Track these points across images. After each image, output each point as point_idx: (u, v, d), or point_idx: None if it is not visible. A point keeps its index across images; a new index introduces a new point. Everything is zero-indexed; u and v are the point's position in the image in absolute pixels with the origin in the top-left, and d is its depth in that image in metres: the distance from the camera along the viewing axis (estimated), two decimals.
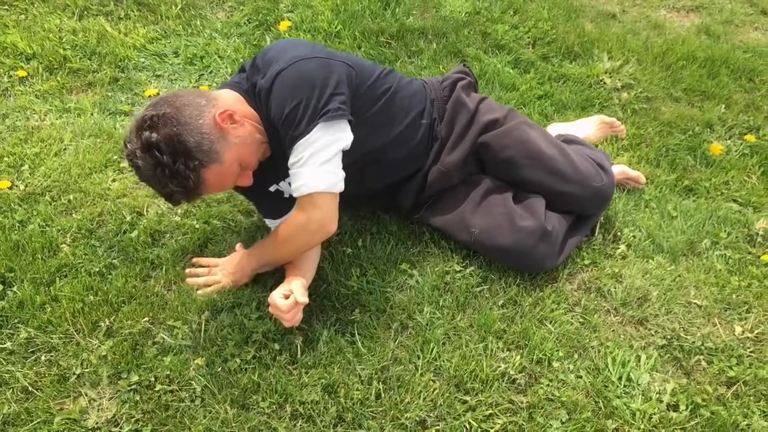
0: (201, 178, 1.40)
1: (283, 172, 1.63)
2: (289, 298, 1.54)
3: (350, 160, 1.58)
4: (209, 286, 1.70)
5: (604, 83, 2.57)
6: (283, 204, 1.76)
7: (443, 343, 1.64)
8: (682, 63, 2.68)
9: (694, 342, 1.68)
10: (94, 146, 2.18)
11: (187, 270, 1.73)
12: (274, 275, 1.77)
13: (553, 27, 2.82)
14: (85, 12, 2.83)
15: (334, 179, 1.53)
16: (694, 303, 1.78)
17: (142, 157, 1.37)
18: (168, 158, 1.35)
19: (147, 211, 1.96)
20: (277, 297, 1.53)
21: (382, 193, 1.87)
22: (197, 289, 1.70)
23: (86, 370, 1.55)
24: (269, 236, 1.73)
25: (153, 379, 1.53)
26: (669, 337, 1.70)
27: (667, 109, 2.48)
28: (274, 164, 1.64)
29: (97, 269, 1.77)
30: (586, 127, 2.30)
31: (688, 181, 2.18)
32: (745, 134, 2.38)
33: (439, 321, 1.69)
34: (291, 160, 1.53)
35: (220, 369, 1.55)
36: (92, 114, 2.34)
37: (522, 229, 1.75)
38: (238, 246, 1.77)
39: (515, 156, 1.83)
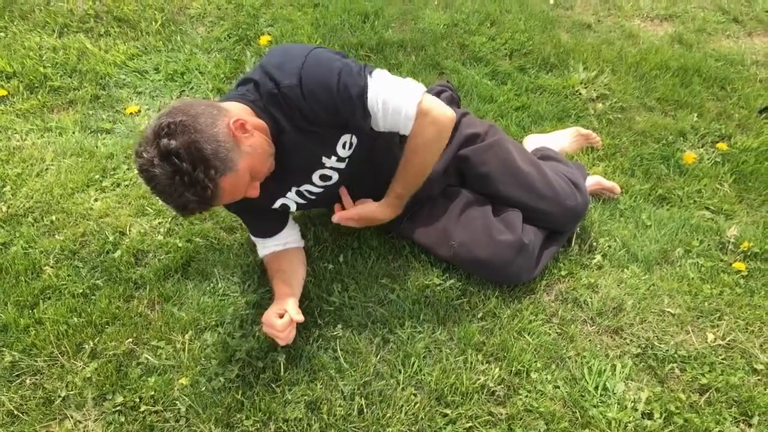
0: (219, 186, 1.36)
1: (294, 181, 1.66)
2: (284, 317, 1.57)
3: (349, 156, 1.62)
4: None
5: (580, 94, 2.62)
6: (281, 221, 1.80)
7: (424, 357, 1.68)
8: (656, 72, 2.73)
9: (667, 350, 1.73)
10: (76, 165, 2.19)
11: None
12: (257, 291, 1.80)
13: (530, 38, 2.87)
14: (65, 29, 2.84)
15: (414, 84, 1.58)
16: (668, 311, 1.83)
17: (160, 165, 1.30)
18: (188, 166, 1.30)
19: (129, 231, 1.97)
20: (272, 316, 1.56)
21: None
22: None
23: (71, 392, 1.57)
24: (403, 167, 1.69)
25: (138, 399, 1.55)
26: (644, 345, 1.74)
27: (641, 118, 2.53)
28: (283, 176, 1.63)
29: (81, 290, 1.79)
30: (563, 139, 2.35)
31: (662, 190, 2.23)
32: (717, 142, 2.44)
33: (420, 335, 1.72)
34: (376, 116, 1.55)
35: (204, 388, 1.58)
36: (74, 132, 2.35)
37: (500, 243, 1.78)
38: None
39: (493, 171, 1.87)
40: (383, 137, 1.68)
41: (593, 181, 2.15)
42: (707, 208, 2.19)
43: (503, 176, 1.88)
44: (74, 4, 2.94)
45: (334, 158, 1.61)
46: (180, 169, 1.29)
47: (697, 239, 2.05)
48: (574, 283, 1.89)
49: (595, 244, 2.01)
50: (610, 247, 2.01)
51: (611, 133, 2.45)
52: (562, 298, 1.86)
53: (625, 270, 1.94)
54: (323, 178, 1.66)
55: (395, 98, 1.55)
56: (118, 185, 2.14)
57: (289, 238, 1.82)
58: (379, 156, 1.73)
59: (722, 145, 2.42)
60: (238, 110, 1.46)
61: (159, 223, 2.01)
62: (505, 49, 2.83)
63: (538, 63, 2.76)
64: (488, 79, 2.69)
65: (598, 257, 1.97)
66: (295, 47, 1.55)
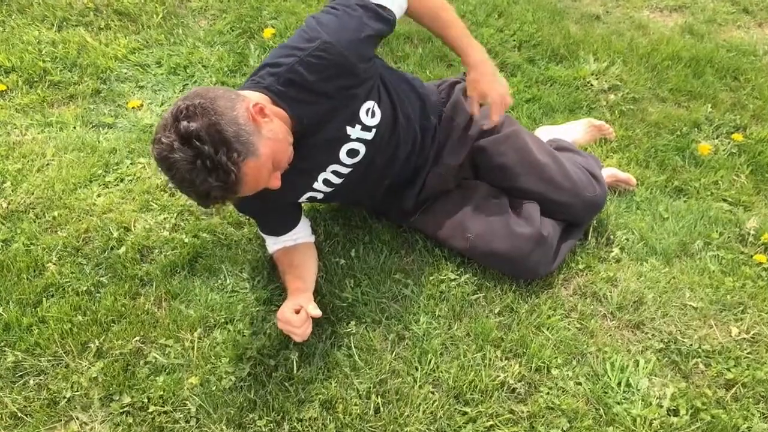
0: (242, 171, 1.28)
1: (320, 165, 1.60)
2: (300, 312, 1.52)
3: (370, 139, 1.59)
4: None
5: (591, 85, 2.57)
6: (294, 218, 1.75)
7: (441, 354, 1.62)
8: (668, 63, 2.68)
9: (691, 345, 1.68)
10: (78, 160, 2.13)
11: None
12: (267, 288, 1.75)
13: (538, 29, 2.81)
14: (65, 23, 2.77)
15: None
16: (690, 305, 1.78)
17: (180, 149, 1.22)
18: (210, 148, 1.22)
19: (134, 226, 1.92)
20: (288, 312, 1.51)
21: (382, 197, 1.85)
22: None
23: (77, 393, 1.51)
24: (445, 34, 1.71)
25: (146, 400, 1.50)
26: (666, 340, 1.69)
27: (654, 109, 2.48)
28: (308, 164, 1.58)
29: (85, 288, 1.73)
30: (575, 130, 2.30)
31: (678, 182, 2.18)
32: (732, 133, 2.39)
33: (436, 331, 1.67)
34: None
35: (214, 387, 1.52)
36: (74, 127, 2.29)
37: (518, 235, 1.73)
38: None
39: (510, 163, 1.82)
40: (403, 108, 1.66)
41: (608, 173, 2.09)
42: (725, 200, 2.14)
43: (520, 168, 1.82)
44: None
45: (358, 127, 1.56)
46: (202, 153, 1.21)
47: (717, 231, 2.00)
48: (593, 276, 1.84)
49: (612, 237, 1.96)
50: (627, 239, 1.96)
51: (624, 125, 2.40)
52: (581, 293, 1.81)
53: (644, 263, 1.89)
54: (351, 153, 1.59)
55: None
56: (122, 180, 2.09)
57: (300, 233, 1.77)
58: (403, 127, 1.68)
59: (738, 136, 2.37)
60: (255, 97, 1.40)
61: (164, 218, 1.95)
62: (514, 40, 2.78)
63: (547, 54, 2.71)
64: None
65: (616, 250, 1.92)
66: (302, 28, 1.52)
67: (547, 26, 2.85)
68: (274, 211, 1.72)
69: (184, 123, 1.22)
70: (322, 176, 1.62)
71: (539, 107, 2.45)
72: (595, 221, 1.97)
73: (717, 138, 2.39)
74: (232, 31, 2.78)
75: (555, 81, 2.58)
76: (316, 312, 1.53)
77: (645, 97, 2.54)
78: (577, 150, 2.08)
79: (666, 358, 1.65)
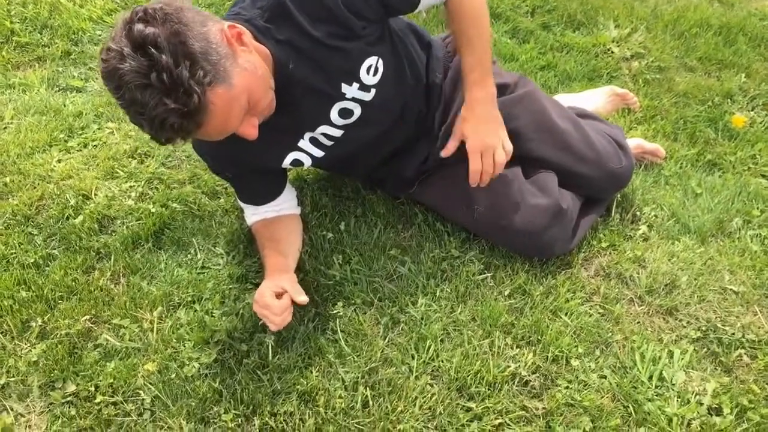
0: (207, 97, 1.02)
1: (308, 124, 1.36)
2: (282, 297, 1.29)
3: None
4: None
5: (612, 52, 2.33)
6: (279, 184, 1.52)
7: (441, 340, 1.39)
8: (696, 30, 2.44)
9: (733, 334, 1.44)
10: (39, 124, 1.91)
11: None
12: (243, 263, 1.52)
13: None
14: None
15: None
16: (730, 289, 1.54)
17: (131, 57, 0.96)
18: (168, 58, 0.97)
19: (95, 195, 1.69)
20: (267, 295, 1.28)
21: (383, 162, 1.61)
22: None
23: (12, 379, 1.29)
24: (463, 52, 1.42)
25: (93, 388, 1.27)
26: (704, 328, 1.45)
27: (682, 79, 2.24)
28: (292, 122, 1.34)
29: (33, 260, 1.51)
30: (596, 99, 2.06)
31: (711, 156, 1.94)
32: None
33: (437, 314, 1.43)
34: None
35: (174, 375, 1.29)
36: (39, 90, 2.07)
37: (533, 207, 1.50)
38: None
39: (524, 127, 1.58)
40: (412, 66, 1.42)
41: (634, 144, 1.85)
42: (764, 176, 1.90)
43: (536, 133, 1.58)
44: None
45: (356, 85, 1.31)
46: (158, 63, 0.96)
47: (757, 209, 1.75)
48: (617, 256, 1.60)
49: (638, 213, 1.72)
50: (656, 216, 1.72)
51: (649, 94, 2.16)
52: (604, 274, 1.57)
53: (676, 242, 1.65)
54: (343, 113, 1.35)
55: None
56: (86, 146, 1.86)
57: (285, 203, 1.54)
58: (410, 87, 1.45)
59: None
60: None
61: (130, 186, 1.73)
62: (526, 5, 2.54)
63: (563, 20, 2.48)
64: (508, 37, 2.40)
65: (644, 228, 1.68)
66: None
67: None
68: (253, 174, 1.48)
69: (139, 26, 0.96)
70: (308, 136, 1.39)
71: (554, 75, 2.22)
72: (618, 196, 1.73)
73: (752, 110, 2.15)
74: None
75: (572, 48, 2.34)
76: (303, 299, 1.31)
77: (671, 66, 2.30)
78: (600, 118, 1.84)
79: (705, 349, 1.41)
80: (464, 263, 1.55)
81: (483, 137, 1.42)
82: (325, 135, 1.39)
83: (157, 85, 0.97)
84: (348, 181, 1.76)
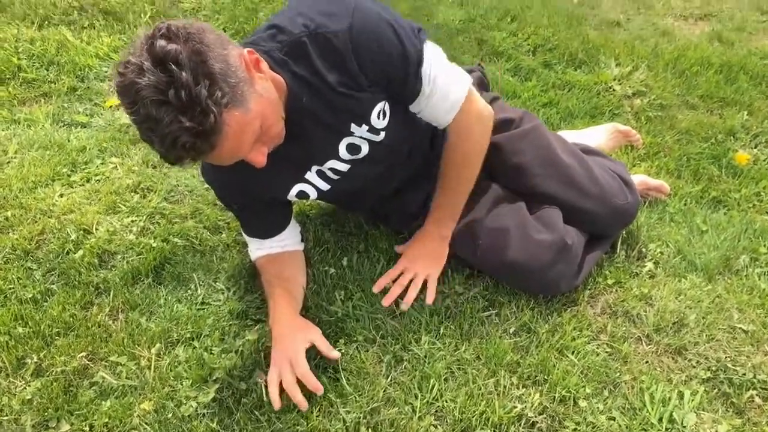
0: (222, 119, 1.00)
1: (315, 158, 1.35)
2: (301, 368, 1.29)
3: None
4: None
5: (614, 90, 2.35)
6: (284, 217, 1.51)
7: (446, 380, 1.35)
8: (696, 69, 2.46)
9: (744, 374, 1.40)
10: (42, 159, 1.91)
11: None
12: (244, 299, 1.49)
13: (554, 34, 2.61)
14: (46, 21, 2.60)
15: (464, 72, 1.39)
16: (739, 328, 1.51)
17: (150, 71, 0.94)
18: (188, 76, 0.95)
19: (96, 229, 1.68)
20: (304, 363, 1.29)
21: (387, 198, 1.61)
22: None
23: (5, 417, 1.25)
24: (442, 187, 1.51)
25: (88, 428, 1.24)
26: (714, 368, 1.42)
27: (684, 116, 2.25)
28: (301, 155, 1.33)
29: (31, 295, 1.48)
30: (599, 136, 2.06)
31: (715, 192, 1.93)
32: None
33: (440, 352, 1.40)
34: (425, 91, 1.31)
35: (171, 415, 1.26)
36: (44, 125, 2.08)
37: (537, 243, 1.48)
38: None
39: (529, 162, 1.58)
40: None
41: (638, 180, 1.84)
42: None
43: (541, 168, 1.58)
44: None
45: (365, 127, 1.31)
46: (177, 80, 0.94)
47: (765, 246, 1.73)
48: (624, 294, 1.58)
49: (644, 249, 1.70)
50: (662, 253, 1.70)
51: (652, 131, 2.17)
52: (611, 311, 1.55)
53: (683, 280, 1.62)
54: (351, 149, 1.34)
55: (447, 77, 1.31)
56: (88, 180, 1.86)
57: (290, 239, 1.53)
58: (420, 126, 1.45)
59: None
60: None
61: (132, 221, 1.71)
62: (528, 44, 2.57)
63: (564, 59, 2.50)
64: (510, 75, 2.42)
65: (650, 265, 1.66)
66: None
67: (564, 31, 2.64)
68: (259, 206, 1.46)
69: (161, 42, 0.95)
70: (315, 168, 1.38)
71: (557, 112, 2.23)
72: (624, 232, 1.72)
73: (756, 147, 2.15)
74: (225, 31, 2.59)
75: (574, 86, 2.36)
76: (336, 354, 1.33)
77: (673, 104, 2.31)
78: (604, 154, 1.84)
79: (715, 390, 1.38)
80: (468, 300, 1.53)
81: (418, 263, 1.53)
82: (332, 169, 1.38)
83: (174, 102, 0.95)
84: (351, 217, 1.75)
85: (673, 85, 2.39)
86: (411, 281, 1.52)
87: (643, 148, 2.10)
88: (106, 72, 2.36)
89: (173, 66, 0.94)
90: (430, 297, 1.50)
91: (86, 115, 2.15)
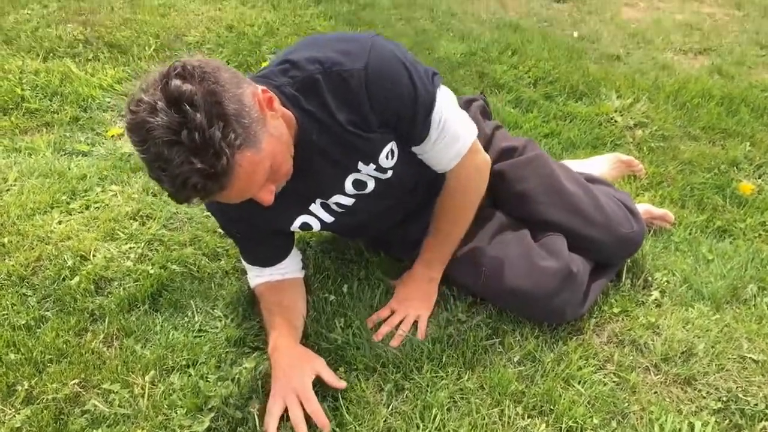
0: (234, 160, 0.98)
1: (321, 191, 1.34)
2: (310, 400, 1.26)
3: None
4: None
5: (615, 121, 2.35)
6: (286, 246, 1.48)
7: (448, 409, 1.31)
8: (698, 101, 2.47)
9: (756, 404, 1.36)
10: (42, 186, 1.90)
11: None
12: (242, 326, 1.46)
13: (555, 67, 2.63)
14: (51, 54, 2.62)
15: (472, 122, 1.40)
16: (749, 358, 1.47)
17: (164, 111, 0.92)
18: (203, 117, 0.93)
19: (93, 255, 1.65)
20: (314, 397, 1.26)
21: (390, 228, 1.59)
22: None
23: None
24: (435, 228, 1.50)
25: None
26: (725, 399, 1.38)
27: (686, 147, 2.24)
28: (306, 188, 1.31)
29: (24, 322, 1.45)
30: (601, 166, 2.05)
31: (720, 222, 1.91)
32: None
33: (443, 381, 1.36)
34: (431, 136, 1.30)
35: None
36: (45, 154, 2.08)
37: (542, 270, 1.45)
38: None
39: (533, 190, 1.57)
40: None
41: (642, 209, 1.82)
42: None
43: (546, 196, 1.57)
44: (63, 30, 2.73)
45: (372, 166, 1.30)
46: (191, 121, 0.92)
47: None
48: (630, 322, 1.55)
49: (650, 278, 1.67)
50: (668, 282, 1.67)
51: (654, 162, 2.16)
52: (617, 340, 1.51)
53: (690, 308, 1.59)
54: (357, 184, 1.33)
55: (455, 124, 1.32)
56: (87, 207, 1.84)
57: (290, 267, 1.50)
58: (423, 171, 1.43)
59: None
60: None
61: (130, 248, 1.69)
62: (529, 77, 2.59)
63: (565, 91, 2.51)
64: (512, 107, 2.42)
65: (656, 293, 1.63)
66: (345, 33, 1.27)
67: (564, 64, 2.66)
68: (261, 236, 1.44)
69: (176, 82, 0.93)
70: (320, 201, 1.37)
71: (558, 142, 2.22)
72: (629, 261, 1.69)
73: (760, 177, 2.14)
74: (228, 64, 2.60)
75: (575, 117, 2.36)
76: (342, 384, 1.31)
77: (675, 135, 2.30)
78: (609, 182, 1.83)
79: (727, 421, 1.33)
80: (471, 328, 1.49)
81: (407, 305, 1.51)
82: (337, 203, 1.37)
83: (187, 143, 0.93)
84: (351, 244, 1.72)
85: (674, 117, 2.39)
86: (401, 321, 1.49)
87: (645, 178, 2.09)
88: (109, 102, 2.37)
89: (187, 107, 0.92)
90: (420, 335, 1.47)
91: (87, 144, 2.15)
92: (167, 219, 1.81)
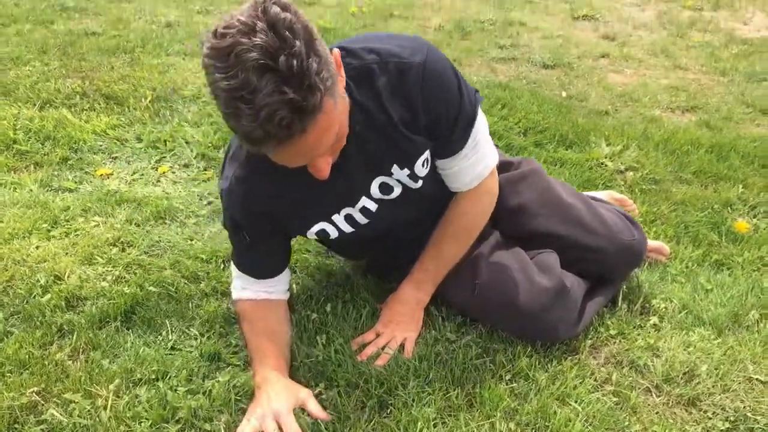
0: (324, 100, 0.92)
1: (348, 196, 1.29)
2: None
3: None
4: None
5: (606, 166, 2.34)
6: (284, 260, 1.40)
7: (435, 425, 1.21)
8: (687, 148, 2.47)
9: (767, 424, 1.27)
10: (23, 216, 1.86)
11: None
12: (218, 342, 1.38)
13: (545, 118, 2.65)
14: (48, 104, 2.65)
15: (495, 148, 1.42)
16: (756, 379, 1.39)
17: (264, 32, 0.85)
18: (302, 46, 0.87)
19: (68, 277, 1.59)
20: (293, 421, 1.18)
21: (401, 247, 1.53)
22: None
23: None
24: (434, 247, 1.43)
25: None
26: (733, 418, 1.28)
27: (678, 190, 2.23)
28: (336, 187, 1.23)
29: None
30: None
31: (718, 256, 1.86)
32: None
33: (430, 397, 1.27)
34: (464, 151, 1.29)
35: None
36: (31, 189, 2.05)
37: (536, 285, 1.39)
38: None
39: (530, 202, 1.54)
40: None
41: None
42: None
43: (543, 208, 1.54)
44: (62, 84, 2.78)
45: (406, 171, 1.27)
46: (291, 46, 0.85)
47: None
48: (628, 344, 1.47)
49: (647, 305, 1.61)
50: (666, 308, 1.60)
51: (647, 201, 2.13)
52: (615, 361, 1.43)
53: (691, 332, 1.52)
54: (383, 188, 1.29)
55: (486, 145, 1.33)
56: (68, 235, 1.79)
57: (279, 286, 1.41)
58: (444, 190, 1.42)
59: None
60: None
61: (107, 270, 1.63)
62: (519, 127, 2.61)
63: (555, 139, 2.52)
64: (503, 152, 2.42)
65: (654, 318, 1.56)
66: (400, 33, 1.27)
67: (554, 117, 2.69)
68: (267, 242, 1.34)
69: (276, 8, 0.87)
70: (345, 212, 1.32)
71: None
72: (624, 287, 1.63)
73: (755, 217, 2.11)
74: None
75: (566, 162, 2.36)
76: (325, 416, 1.22)
77: (666, 179, 2.29)
78: (608, 201, 1.81)
79: None
80: (461, 347, 1.41)
81: (394, 328, 1.43)
82: (363, 209, 1.32)
83: (283, 69, 0.85)
84: (338, 268, 1.67)
85: (665, 163, 2.39)
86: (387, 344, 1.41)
87: (639, 217, 2.05)
88: (100, 146, 2.37)
89: (288, 33, 0.86)
90: (407, 354, 1.39)
91: (75, 182, 2.13)
92: (149, 246, 1.76)
